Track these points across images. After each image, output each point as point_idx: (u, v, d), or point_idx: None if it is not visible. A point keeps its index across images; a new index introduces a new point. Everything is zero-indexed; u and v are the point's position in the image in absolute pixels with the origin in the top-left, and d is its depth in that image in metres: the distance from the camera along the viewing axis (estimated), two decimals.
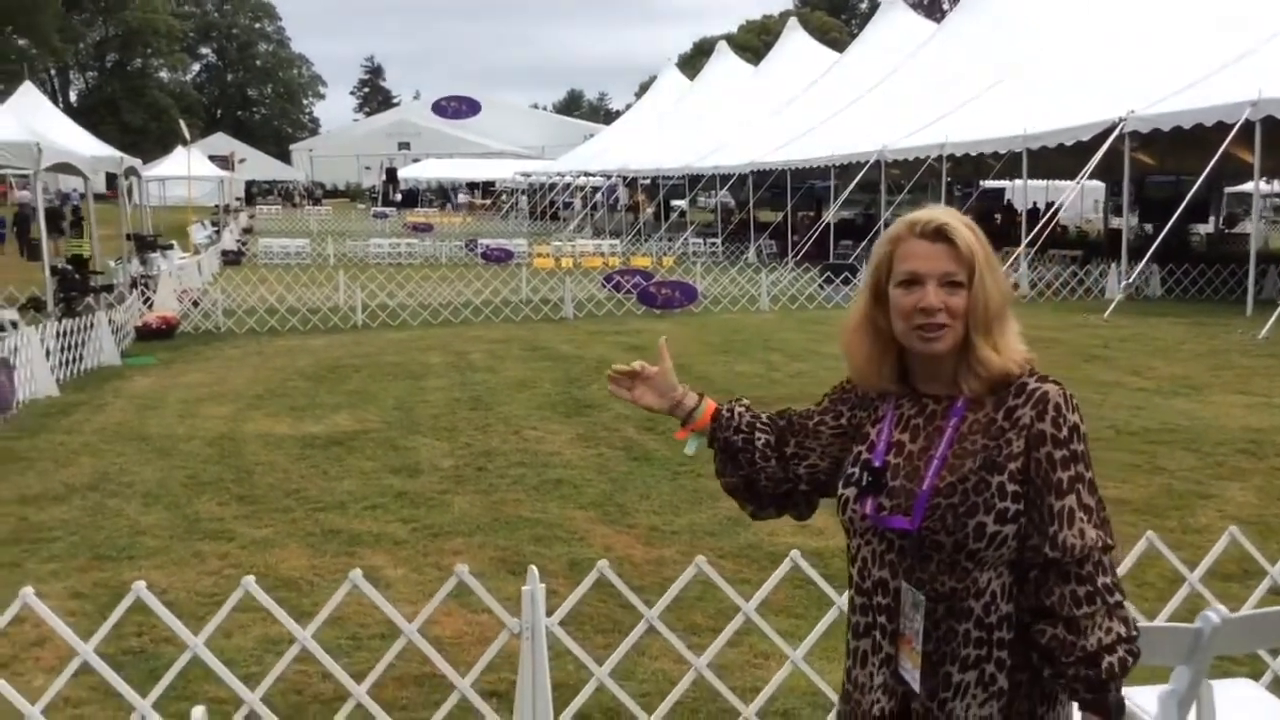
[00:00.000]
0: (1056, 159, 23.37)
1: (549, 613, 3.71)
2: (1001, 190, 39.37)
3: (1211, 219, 36.83)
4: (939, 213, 2.21)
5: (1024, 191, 25.74)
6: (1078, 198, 38.25)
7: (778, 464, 2.41)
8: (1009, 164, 26.63)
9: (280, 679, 4.72)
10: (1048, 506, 2.09)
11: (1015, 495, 2.10)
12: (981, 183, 37.06)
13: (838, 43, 57.16)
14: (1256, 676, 3.98)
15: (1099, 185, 37.94)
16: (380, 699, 4.56)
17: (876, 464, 2.21)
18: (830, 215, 29.50)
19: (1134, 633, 2.08)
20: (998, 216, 34.85)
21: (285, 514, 7.33)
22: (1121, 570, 4.21)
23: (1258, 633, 2.92)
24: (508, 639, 3.70)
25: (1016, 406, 2.15)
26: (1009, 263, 21.94)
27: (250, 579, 3.62)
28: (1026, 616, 2.11)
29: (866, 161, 27.69)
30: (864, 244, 27.71)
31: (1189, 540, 6.49)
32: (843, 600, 4.07)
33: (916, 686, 2.14)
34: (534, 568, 3.72)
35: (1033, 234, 21.36)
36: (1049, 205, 30.35)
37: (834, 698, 4.06)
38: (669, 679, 4.60)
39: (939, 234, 2.17)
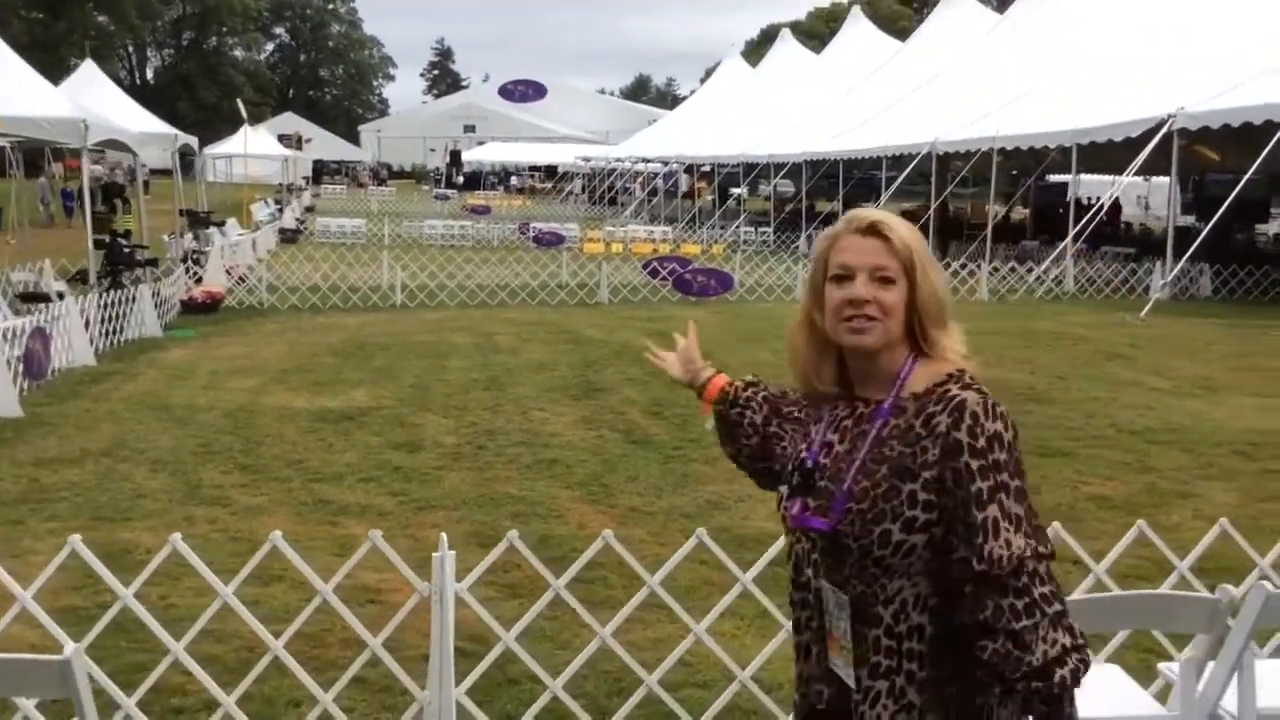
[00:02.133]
0: (1119, 154, 23.04)
1: (461, 578, 3.91)
2: (1065, 185, 38.84)
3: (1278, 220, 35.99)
4: (875, 211, 2.25)
5: (1073, 186, 25.39)
6: (1144, 194, 37.68)
7: (760, 442, 2.53)
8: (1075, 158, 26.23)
9: (238, 636, 5.02)
10: (971, 519, 2.03)
11: (927, 505, 2.06)
12: (1048, 176, 36.64)
13: (906, 32, 56.53)
14: None
15: (1167, 182, 37.24)
16: (323, 658, 4.83)
17: (809, 464, 2.22)
18: (879, 205, 29.28)
19: (1081, 640, 2.01)
20: (1061, 210, 34.42)
21: (283, 483, 7.63)
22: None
23: (1084, 616, 3.03)
24: (418, 601, 3.91)
25: (935, 413, 2.09)
26: (1052, 256, 21.73)
27: (177, 536, 3.86)
28: (970, 634, 2.06)
29: (919, 153, 27.52)
30: None
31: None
32: (747, 577, 4.23)
33: (851, 681, 2.15)
34: (445, 535, 3.92)
35: (1076, 229, 21.13)
36: (1113, 201, 29.99)
37: (737, 670, 4.22)
38: (638, 647, 4.76)
39: (873, 230, 2.17)
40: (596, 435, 9.18)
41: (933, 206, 28.23)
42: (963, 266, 20.90)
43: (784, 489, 2.26)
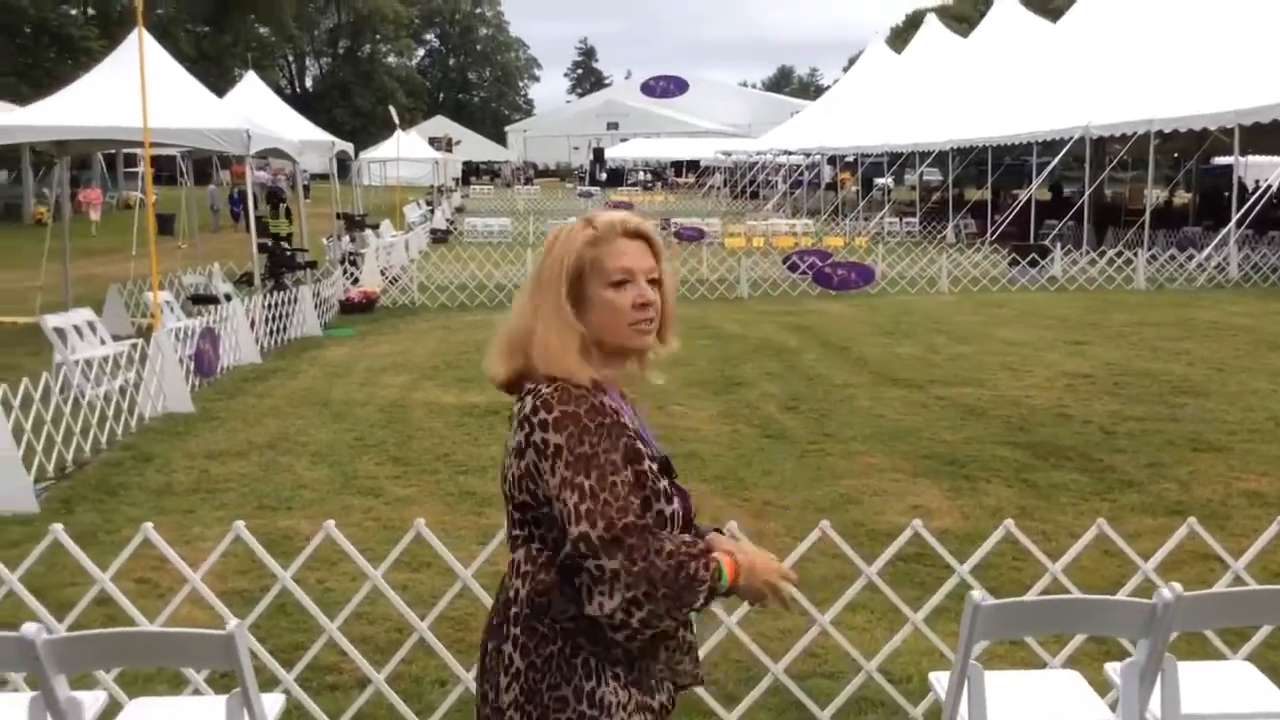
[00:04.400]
0: None
1: None
2: (1230, 167, 37.07)
3: None
4: (628, 213, 2.35)
5: (1237, 168, 24.18)
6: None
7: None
8: (1245, 140, 24.89)
9: (388, 618, 5.32)
10: None
11: None
12: (1213, 159, 35.05)
13: (1059, 12, 54.75)
14: None
15: None
16: (468, 641, 5.06)
17: (663, 457, 2.35)
18: (1029, 193, 28.52)
19: None
20: (1226, 195, 32.85)
21: (431, 475, 7.97)
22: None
23: (1215, 611, 3.01)
24: None
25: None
26: (1214, 242, 20.81)
27: (331, 523, 4.14)
28: None
29: (1071, 137, 26.67)
30: (1062, 223, 26.74)
31: None
32: (871, 570, 4.27)
33: (699, 632, 2.45)
34: None
35: (1240, 213, 20.17)
36: None
37: (863, 661, 4.28)
38: (767, 637, 4.88)
39: (639, 233, 2.30)
40: (733, 429, 9.28)
41: (1087, 192, 27.33)
42: (1118, 254, 20.20)
43: (677, 503, 2.30)
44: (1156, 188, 29.43)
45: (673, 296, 2.36)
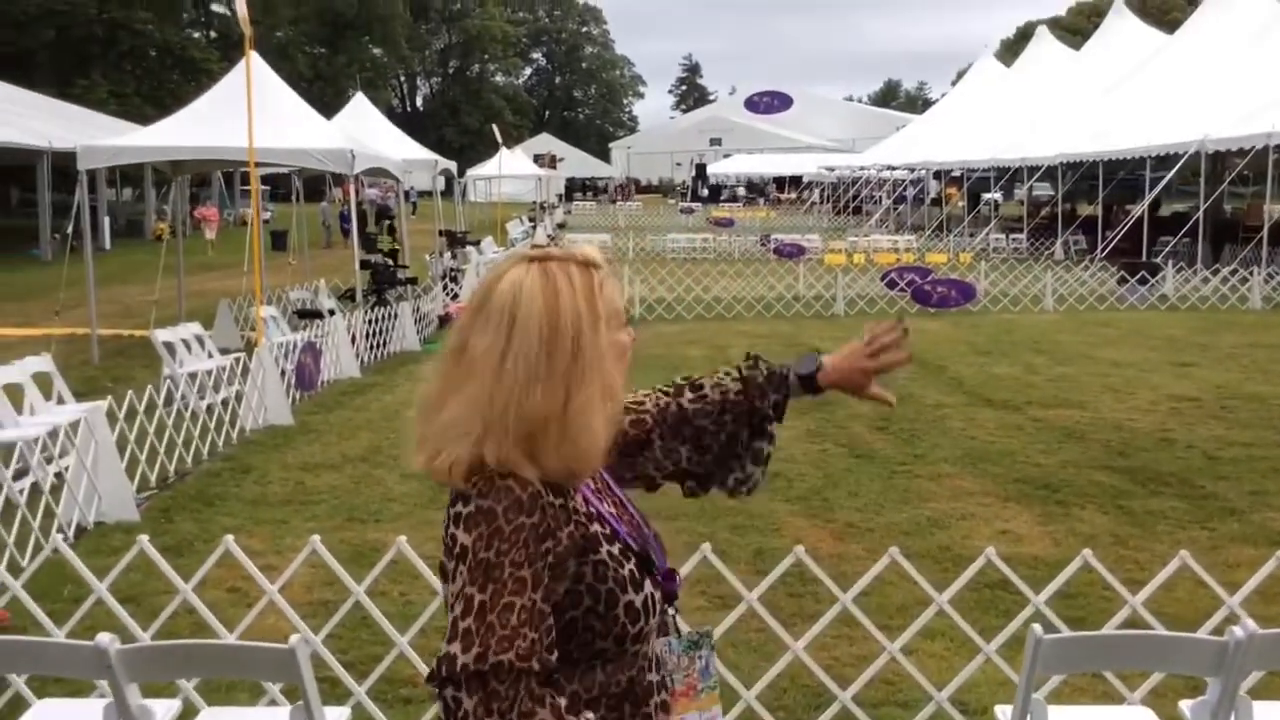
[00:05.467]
0: None
1: None
2: None
3: None
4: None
5: None
6: None
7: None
8: None
9: None
10: None
11: None
12: None
13: (1176, 23, 53.21)
14: None
15: None
16: None
17: (635, 542, 1.98)
18: (1140, 208, 27.70)
19: None
20: None
21: None
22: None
23: None
24: None
25: None
26: None
27: (403, 539, 4.22)
28: None
29: (1186, 152, 25.84)
30: (1176, 240, 25.90)
31: None
32: (943, 597, 4.19)
33: None
34: None
35: None
36: None
37: (933, 691, 4.19)
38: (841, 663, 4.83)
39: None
40: (820, 449, 9.19)
41: (1202, 208, 26.45)
42: (1233, 273, 19.50)
43: (647, 590, 1.93)
44: (1277, 204, 28.34)
45: None
